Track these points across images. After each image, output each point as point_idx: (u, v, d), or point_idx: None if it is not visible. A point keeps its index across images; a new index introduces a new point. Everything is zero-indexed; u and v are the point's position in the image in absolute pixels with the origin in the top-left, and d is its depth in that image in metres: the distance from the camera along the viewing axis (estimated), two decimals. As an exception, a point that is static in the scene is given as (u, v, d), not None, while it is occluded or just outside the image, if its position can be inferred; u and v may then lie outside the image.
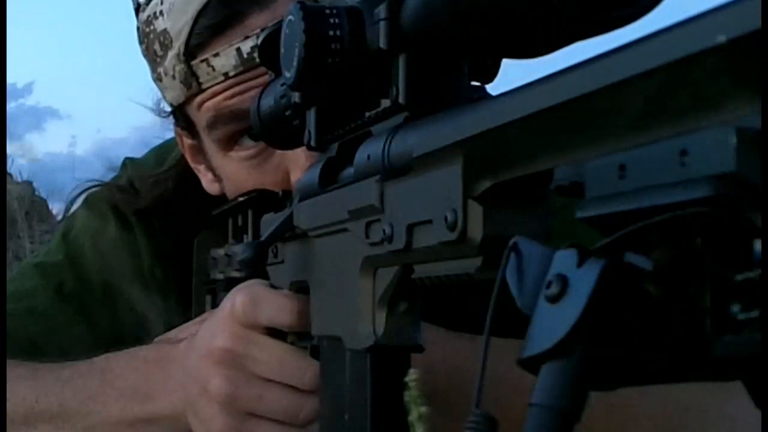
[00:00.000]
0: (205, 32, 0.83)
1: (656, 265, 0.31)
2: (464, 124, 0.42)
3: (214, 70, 0.83)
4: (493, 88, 0.52)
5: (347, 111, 0.57)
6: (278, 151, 0.82)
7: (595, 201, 0.33)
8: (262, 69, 0.66)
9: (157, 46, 0.87)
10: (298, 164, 0.80)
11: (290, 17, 0.55)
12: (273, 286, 0.71)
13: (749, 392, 0.30)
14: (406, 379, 0.41)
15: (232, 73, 0.83)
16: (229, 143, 0.87)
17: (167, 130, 1.03)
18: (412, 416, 0.41)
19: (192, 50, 0.84)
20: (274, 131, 0.69)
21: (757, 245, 0.28)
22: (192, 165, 0.96)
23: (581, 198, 0.34)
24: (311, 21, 0.53)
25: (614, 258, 0.32)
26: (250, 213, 0.83)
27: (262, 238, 0.70)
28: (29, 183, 5.70)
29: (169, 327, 0.86)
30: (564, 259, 0.34)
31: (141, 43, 0.91)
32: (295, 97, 0.61)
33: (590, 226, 0.34)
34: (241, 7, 0.81)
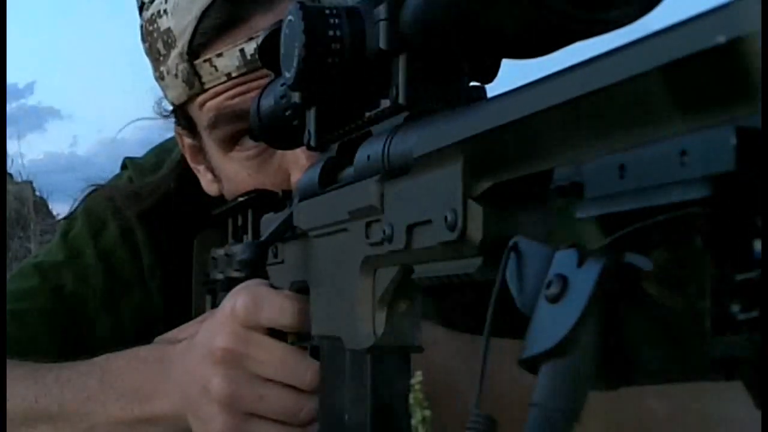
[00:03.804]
0: (209, 32, 0.83)
1: (656, 265, 0.31)
2: (464, 124, 0.42)
3: (216, 70, 0.83)
4: (493, 88, 0.52)
5: (347, 111, 0.57)
6: (278, 152, 0.82)
7: (595, 201, 0.33)
8: (265, 70, 0.67)
9: (160, 45, 0.87)
10: (298, 164, 0.80)
11: (290, 17, 0.55)
12: (273, 286, 0.71)
13: (749, 392, 0.30)
14: (412, 381, 0.41)
15: (234, 74, 0.83)
16: (229, 143, 0.87)
17: (168, 131, 1.04)
18: (416, 419, 0.41)
19: (195, 50, 0.84)
20: (274, 131, 0.69)
21: (757, 245, 0.28)
22: (192, 165, 0.96)
23: (581, 198, 0.34)
24: (311, 21, 0.53)
25: (614, 258, 0.32)
26: (250, 213, 0.84)
27: (262, 238, 0.70)
28: (29, 183, 5.69)
29: (169, 327, 0.86)
30: (564, 259, 0.34)
31: (144, 41, 0.91)
32: (295, 97, 0.61)
33: (590, 226, 0.34)
34: (245, 9, 0.81)
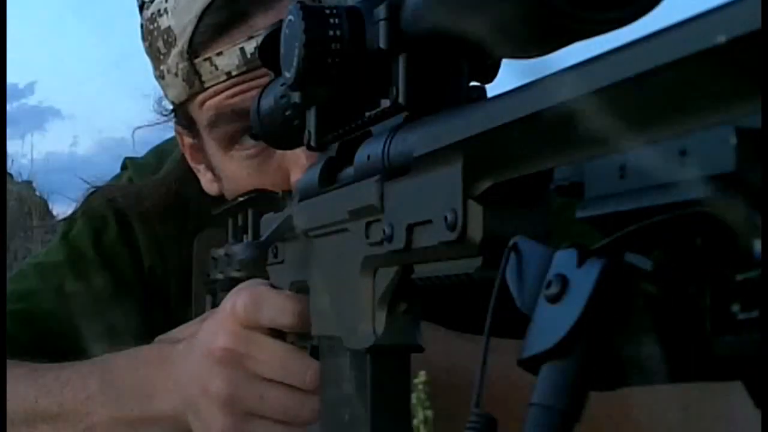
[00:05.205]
0: (209, 31, 0.83)
1: (656, 265, 0.32)
2: (464, 124, 0.42)
3: (217, 69, 0.83)
4: (493, 88, 0.52)
5: (347, 111, 0.57)
6: (278, 151, 0.82)
7: (595, 201, 0.33)
8: (265, 69, 0.67)
9: (160, 44, 0.87)
10: (298, 164, 0.80)
11: (290, 17, 0.55)
12: (273, 286, 0.71)
13: (749, 392, 0.30)
14: (415, 381, 0.41)
15: (234, 73, 0.83)
16: (229, 142, 0.87)
17: (168, 131, 1.04)
18: (417, 419, 0.41)
19: (195, 48, 0.84)
20: (274, 131, 0.69)
21: (757, 245, 0.28)
22: (192, 164, 0.96)
23: (581, 198, 0.34)
24: (311, 21, 0.53)
25: (614, 258, 0.32)
26: (250, 213, 0.83)
27: (262, 238, 0.70)
28: (29, 183, 5.69)
29: (169, 327, 0.86)
30: (564, 259, 0.34)
31: (144, 40, 0.91)
32: (295, 97, 0.61)
33: (590, 226, 0.34)
34: (245, 7, 0.82)
